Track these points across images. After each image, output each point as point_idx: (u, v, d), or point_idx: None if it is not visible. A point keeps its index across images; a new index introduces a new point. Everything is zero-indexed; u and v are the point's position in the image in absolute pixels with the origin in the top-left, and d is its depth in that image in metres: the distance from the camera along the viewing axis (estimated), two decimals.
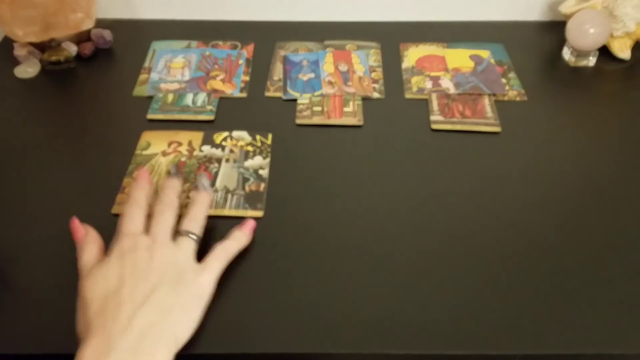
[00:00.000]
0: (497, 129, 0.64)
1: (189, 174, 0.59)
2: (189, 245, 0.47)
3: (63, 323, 0.45)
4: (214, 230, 0.53)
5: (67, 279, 0.49)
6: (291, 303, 0.47)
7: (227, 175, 0.59)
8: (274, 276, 0.49)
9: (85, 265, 0.46)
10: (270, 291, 0.48)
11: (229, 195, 0.56)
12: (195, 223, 0.49)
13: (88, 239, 0.48)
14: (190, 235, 0.48)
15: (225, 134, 0.64)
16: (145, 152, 0.61)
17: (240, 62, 0.75)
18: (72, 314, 0.45)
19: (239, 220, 0.54)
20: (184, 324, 0.43)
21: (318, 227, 0.54)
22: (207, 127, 0.65)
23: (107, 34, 0.77)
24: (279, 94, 0.70)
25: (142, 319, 0.41)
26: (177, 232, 0.48)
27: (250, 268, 0.50)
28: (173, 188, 0.52)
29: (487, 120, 0.65)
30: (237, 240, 0.50)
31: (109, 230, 0.53)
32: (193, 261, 0.47)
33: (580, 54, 0.73)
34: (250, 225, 0.51)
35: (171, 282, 0.44)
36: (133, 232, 0.47)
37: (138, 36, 0.80)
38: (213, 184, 0.58)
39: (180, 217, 0.50)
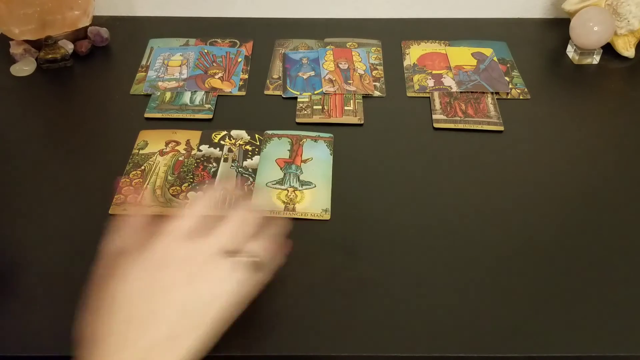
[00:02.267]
0: (500, 127, 0.63)
1: (187, 173, 0.58)
2: (232, 269, 0.40)
3: (62, 324, 0.45)
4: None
5: (66, 279, 0.49)
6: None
7: (225, 174, 0.58)
8: None
9: (119, 251, 0.40)
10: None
11: (228, 196, 0.56)
12: (235, 239, 0.41)
13: (132, 221, 0.42)
14: (240, 257, 0.40)
15: (224, 132, 0.63)
16: (142, 152, 0.60)
17: (239, 60, 0.74)
18: (71, 315, 0.45)
19: None
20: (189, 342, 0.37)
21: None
22: (206, 126, 0.64)
23: (104, 32, 0.76)
24: (278, 93, 0.69)
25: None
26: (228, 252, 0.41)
27: None
28: (246, 222, 0.43)
29: (490, 119, 0.64)
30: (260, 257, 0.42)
31: (107, 231, 0.53)
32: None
33: (584, 52, 0.73)
34: (277, 245, 0.43)
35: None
36: (180, 234, 0.40)
37: (135, 34, 0.79)
38: (212, 184, 0.57)
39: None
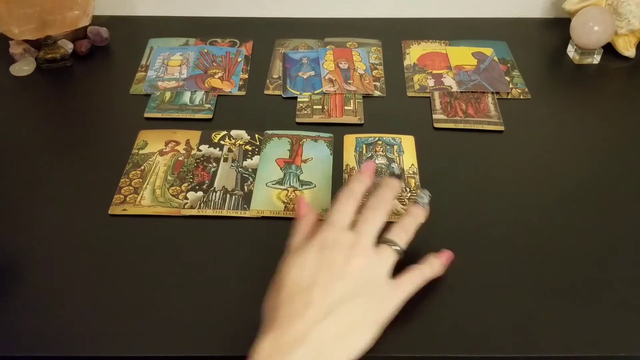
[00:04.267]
0: (500, 127, 0.63)
1: (187, 173, 0.58)
2: (389, 257, 0.44)
3: (63, 324, 0.45)
4: (215, 232, 0.52)
5: (66, 279, 0.49)
6: None
7: (225, 175, 0.58)
8: None
9: (293, 245, 0.45)
10: None
11: (228, 196, 0.55)
12: (404, 235, 0.46)
13: (305, 220, 0.47)
14: (394, 247, 0.44)
15: (224, 132, 0.63)
16: (142, 152, 0.60)
17: (239, 59, 0.74)
18: (71, 315, 0.45)
19: (239, 220, 0.53)
20: (361, 342, 0.41)
21: None
22: (205, 126, 0.64)
23: (104, 32, 0.76)
24: (278, 92, 0.69)
25: (324, 333, 0.39)
26: (380, 238, 0.45)
27: None
28: (392, 188, 0.48)
29: (490, 119, 0.64)
30: (432, 267, 0.46)
31: (106, 232, 0.53)
32: (388, 276, 0.43)
33: (584, 51, 0.72)
34: (447, 256, 0.48)
35: (363, 295, 0.41)
36: (340, 225, 0.44)
37: (135, 33, 0.79)
38: (212, 184, 0.57)
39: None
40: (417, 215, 0.48)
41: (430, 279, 0.46)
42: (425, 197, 0.49)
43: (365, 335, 0.41)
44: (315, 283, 0.41)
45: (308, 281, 0.41)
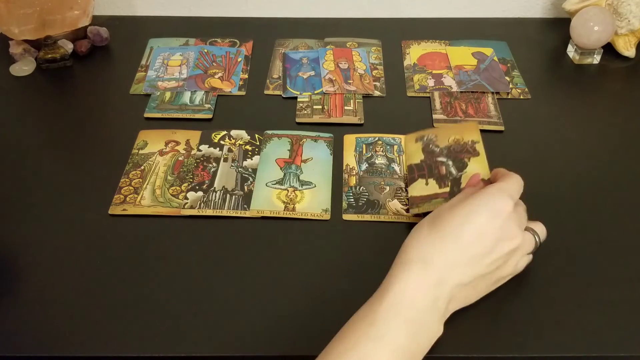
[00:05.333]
0: (500, 127, 0.63)
1: (187, 173, 0.58)
2: (530, 245, 0.47)
3: (63, 324, 0.45)
4: (217, 233, 0.52)
5: (66, 279, 0.48)
6: None
7: (225, 175, 0.58)
8: None
9: (509, 190, 0.46)
10: None
11: (228, 196, 0.55)
12: (544, 233, 0.48)
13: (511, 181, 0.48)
14: (536, 237, 0.47)
15: (224, 132, 0.63)
16: (142, 151, 0.60)
17: (239, 59, 0.74)
18: (71, 315, 0.45)
19: (239, 220, 0.53)
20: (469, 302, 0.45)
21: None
22: (205, 126, 0.64)
23: (104, 32, 0.76)
24: (278, 92, 0.69)
25: (463, 278, 0.42)
26: (528, 229, 0.47)
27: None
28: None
29: (490, 119, 0.64)
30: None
31: (106, 232, 0.53)
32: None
33: (584, 51, 0.72)
34: None
35: (502, 269, 0.44)
36: (516, 201, 0.46)
37: (135, 33, 0.79)
38: (212, 184, 0.57)
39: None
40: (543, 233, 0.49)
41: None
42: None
43: (479, 295, 0.45)
44: (499, 239, 0.43)
45: (496, 231, 0.43)
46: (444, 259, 0.42)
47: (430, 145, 0.57)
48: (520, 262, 0.46)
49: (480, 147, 0.55)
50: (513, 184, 0.47)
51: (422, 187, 0.54)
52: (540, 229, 0.48)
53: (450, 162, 0.55)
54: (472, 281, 0.43)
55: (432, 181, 0.54)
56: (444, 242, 0.42)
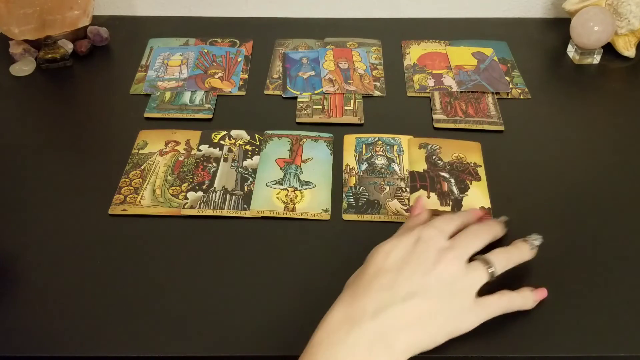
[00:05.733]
0: (500, 127, 0.63)
1: (187, 173, 0.58)
2: (480, 276, 0.43)
3: (62, 324, 0.45)
4: (217, 233, 0.52)
5: (66, 279, 0.48)
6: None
7: (225, 175, 0.58)
8: None
9: (397, 232, 0.47)
10: None
11: (228, 196, 0.55)
12: (504, 262, 0.45)
13: (416, 218, 0.49)
14: (490, 268, 0.44)
15: (224, 132, 0.63)
16: (142, 152, 0.60)
17: (239, 59, 0.74)
18: (71, 315, 0.45)
19: (239, 220, 0.53)
20: (425, 340, 0.41)
21: None
22: (205, 126, 0.64)
23: (104, 31, 0.76)
24: (278, 92, 0.69)
25: (395, 317, 0.40)
26: (478, 255, 0.45)
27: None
28: (494, 229, 0.48)
29: (490, 119, 0.64)
30: (523, 299, 0.45)
31: (106, 232, 0.53)
32: (474, 292, 0.43)
33: (584, 51, 0.72)
34: (542, 293, 0.46)
35: (443, 299, 0.41)
36: (441, 229, 0.45)
37: (135, 33, 0.79)
38: (212, 184, 0.57)
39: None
40: (523, 253, 0.47)
41: (517, 310, 0.45)
42: (538, 240, 0.48)
43: (432, 336, 0.41)
44: (401, 268, 0.42)
45: (396, 264, 0.42)
46: (374, 308, 0.40)
47: (434, 157, 0.58)
48: (476, 269, 0.43)
49: (482, 171, 0.57)
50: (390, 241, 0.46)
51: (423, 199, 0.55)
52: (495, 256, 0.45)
53: (452, 180, 0.56)
54: (408, 303, 0.40)
55: (434, 196, 0.55)
56: (357, 297, 0.41)
